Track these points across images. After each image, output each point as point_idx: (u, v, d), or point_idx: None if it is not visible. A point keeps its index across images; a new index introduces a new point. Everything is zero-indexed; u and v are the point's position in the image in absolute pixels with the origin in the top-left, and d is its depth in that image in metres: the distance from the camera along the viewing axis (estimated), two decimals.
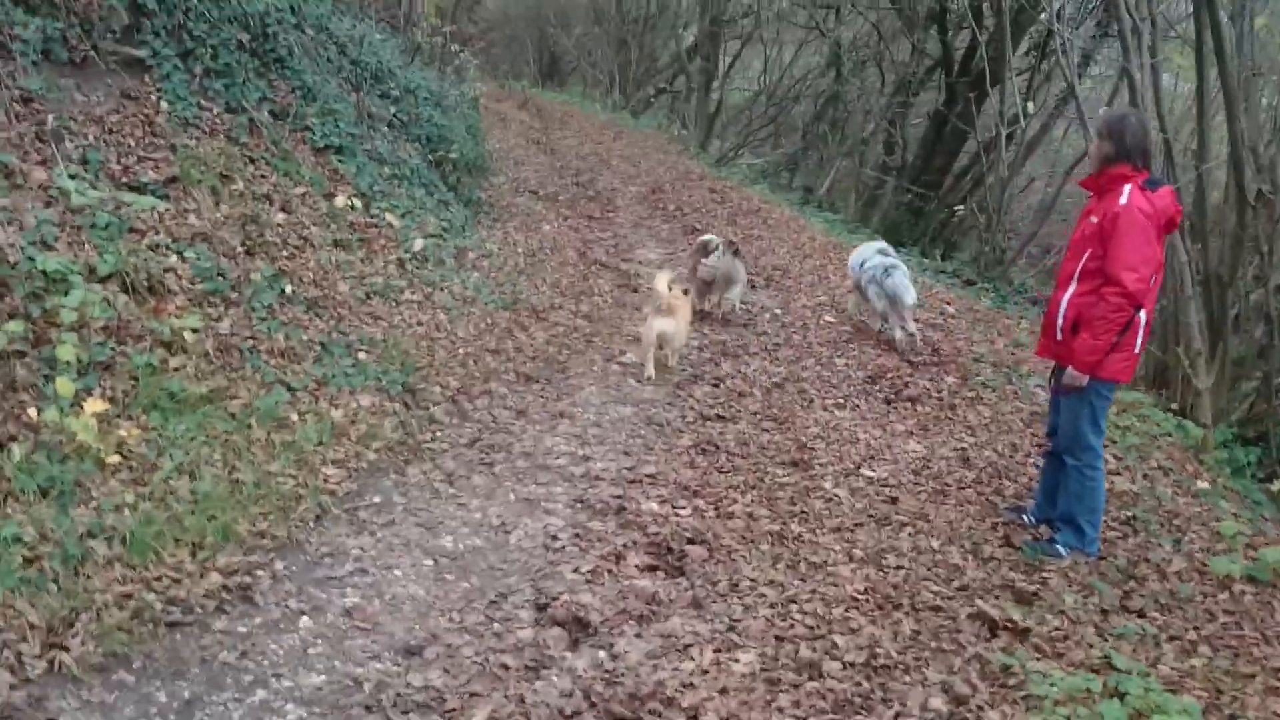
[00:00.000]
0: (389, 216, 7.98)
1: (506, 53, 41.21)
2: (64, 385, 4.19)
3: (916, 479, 5.63)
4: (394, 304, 6.99)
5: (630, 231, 12.88)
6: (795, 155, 25.27)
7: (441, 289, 7.69)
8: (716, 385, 7.17)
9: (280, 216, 6.78)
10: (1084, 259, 4.65)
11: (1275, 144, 8.60)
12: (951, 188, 16.02)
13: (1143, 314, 4.57)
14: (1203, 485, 6.32)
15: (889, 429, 6.45)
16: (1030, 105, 13.76)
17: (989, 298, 12.40)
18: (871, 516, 5.06)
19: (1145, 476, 6.13)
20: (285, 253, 6.45)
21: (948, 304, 10.85)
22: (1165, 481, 6.19)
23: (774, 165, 24.75)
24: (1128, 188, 4.53)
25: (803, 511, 5.02)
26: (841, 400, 6.97)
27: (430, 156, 9.87)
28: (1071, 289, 4.71)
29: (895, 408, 6.89)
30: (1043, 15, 13.12)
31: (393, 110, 9.59)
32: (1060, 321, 4.74)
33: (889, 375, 7.58)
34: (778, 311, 9.55)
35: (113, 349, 4.69)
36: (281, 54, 7.84)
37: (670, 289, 7.29)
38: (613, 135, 22.01)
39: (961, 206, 14.30)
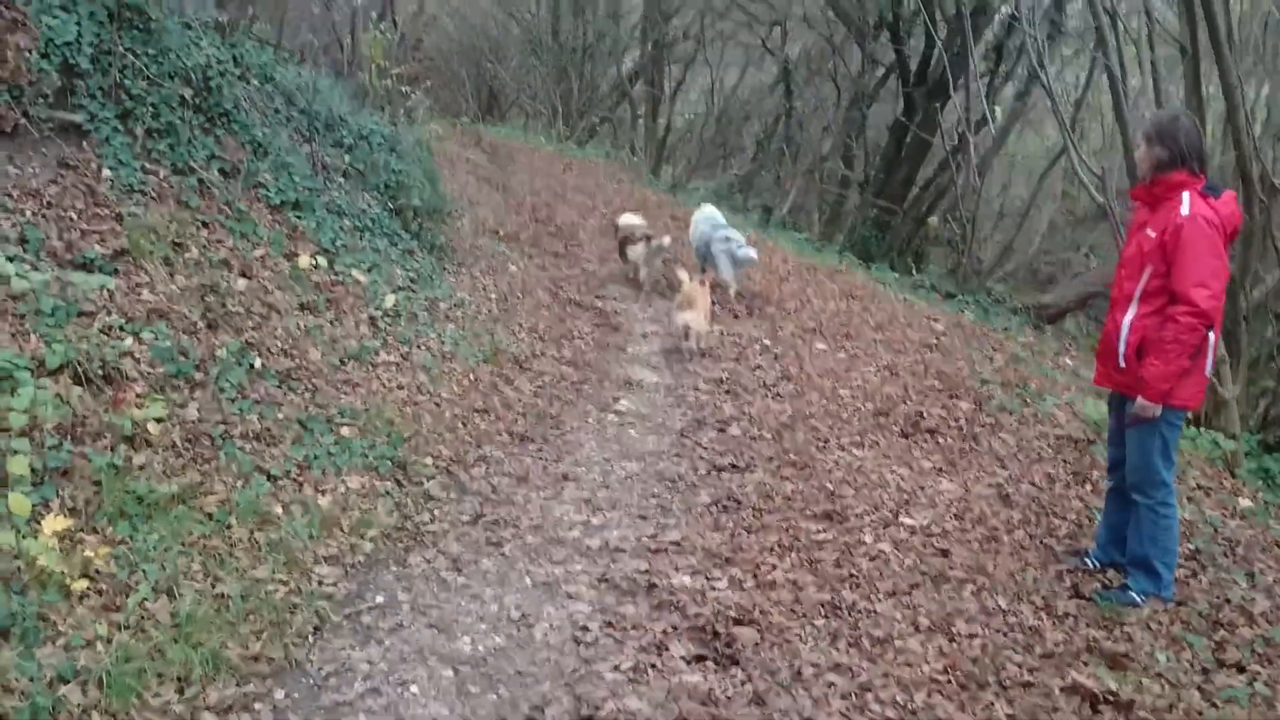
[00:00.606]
0: (355, 273, 7.46)
1: (444, 90, 40.74)
2: (18, 503, 3.64)
3: (961, 524, 5.20)
4: (371, 368, 6.47)
5: (599, 266, 12.44)
6: (748, 175, 25.01)
7: (418, 346, 7.17)
8: (723, 429, 6.71)
9: (241, 283, 6.25)
10: (1145, 277, 4.25)
11: (1266, 134, 8.36)
12: (917, 199, 15.74)
13: (1212, 333, 4.19)
14: (1246, 503, 5.97)
15: (915, 467, 6.02)
16: (997, 109, 13.51)
17: (971, 311, 12.10)
18: (925, 574, 4.61)
19: (1190, 499, 5.76)
20: (250, 323, 5.91)
21: (935, 321, 10.51)
22: (1210, 503, 5.83)
23: (726, 186, 24.48)
24: (1187, 195, 4.15)
25: (851, 575, 4.56)
26: (858, 437, 6.54)
27: (390, 205, 9.35)
28: (1132, 311, 4.31)
29: (915, 442, 6.47)
30: (1003, 9, 12.92)
31: (347, 159, 9.07)
32: (1122, 347, 4.34)
33: (898, 405, 7.18)
34: (767, 342, 9.13)
35: (70, 451, 4.13)
36: (227, 108, 7.31)
37: (694, 280, 8.85)
38: (562, 167, 21.61)
39: (934, 218, 14.00)
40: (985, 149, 12.99)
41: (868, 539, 4.94)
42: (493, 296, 9.57)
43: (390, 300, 7.41)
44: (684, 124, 27.34)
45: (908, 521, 5.19)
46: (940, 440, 6.48)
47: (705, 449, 6.35)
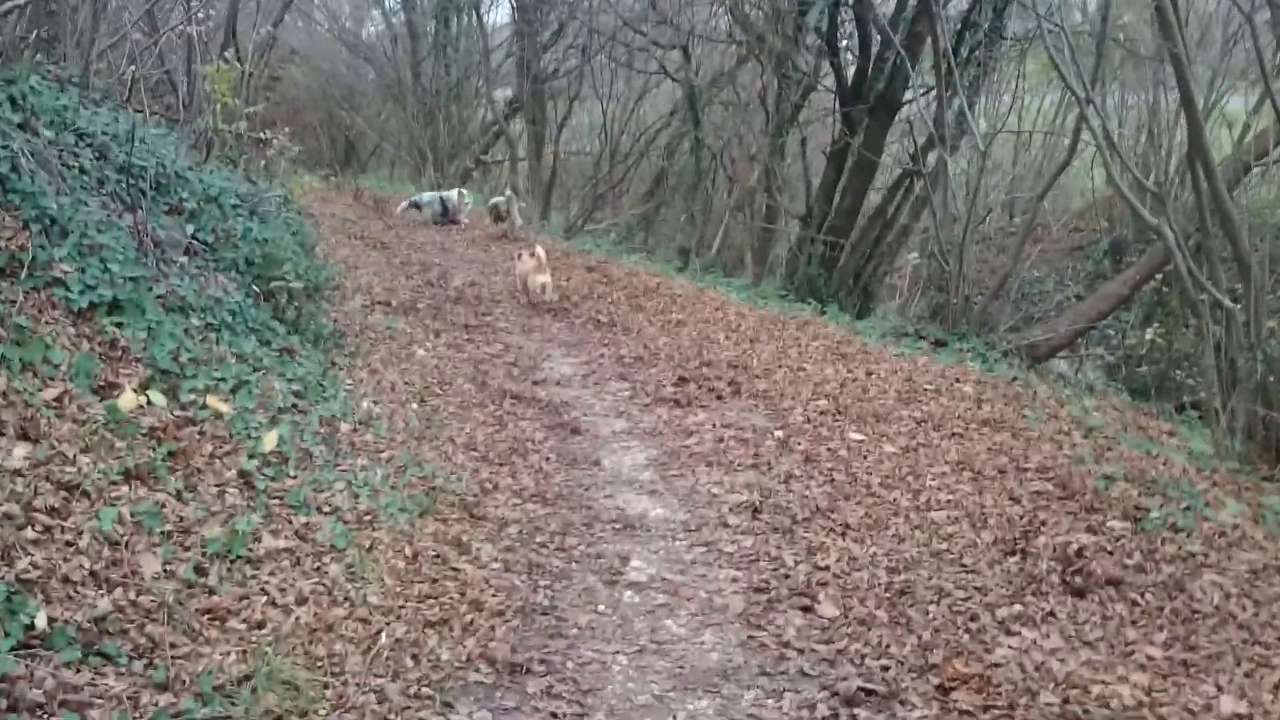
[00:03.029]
0: (212, 400, 4.95)
1: (296, 141, 37.72)
2: None
3: None
4: (251, 569, 3.97)
5: (522, 338, 10.07)
6: (645, 214, 22.89)
7: (321, 508, 4.69)
8: (808, 608, 4.41)
9: (20, 453, 3.73)
10: None
11: None
12: (865, 231, 13.81)
13: None
14: None
15: (1144, 662, 3.83)
16: (982, 121, 11.65)
17: (972, 360, 10.11)
18: None
19: None
20: (30, 534, 3.39)
21: (960, 382, 8.46)
22: None
23: (626, 228, 22.31)
24: None
25: None
26: (1016, 605, 4.31)
27: (255, 287, 6.84)
28: None
29: (1105, 606, 4.29)
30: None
31: (191, 230, 6.55)
32: None
33: (1029, 533, 5.01)
34: (780, 434, 6.89)
35: None
36: (1, 170, 4.80)
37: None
38: None
39: (915, 255, 12.03)
40: (976, 169, 11.00)
41: None
42: (405, 399, 7.14)
43: (270, 438, 4.92)
44: (573, 163, 25.12)
45: None
46: (1138, 600, 4.31)
47: (801, 652, 4.03)
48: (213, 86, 7.67)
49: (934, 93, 12.68)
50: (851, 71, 13.79)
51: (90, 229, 5.24)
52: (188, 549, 3.86)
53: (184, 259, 6.25)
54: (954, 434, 6.81)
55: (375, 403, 6.77)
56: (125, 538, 3.68)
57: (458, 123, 28.82)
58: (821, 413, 7.34)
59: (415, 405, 7.03)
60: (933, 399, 7.76)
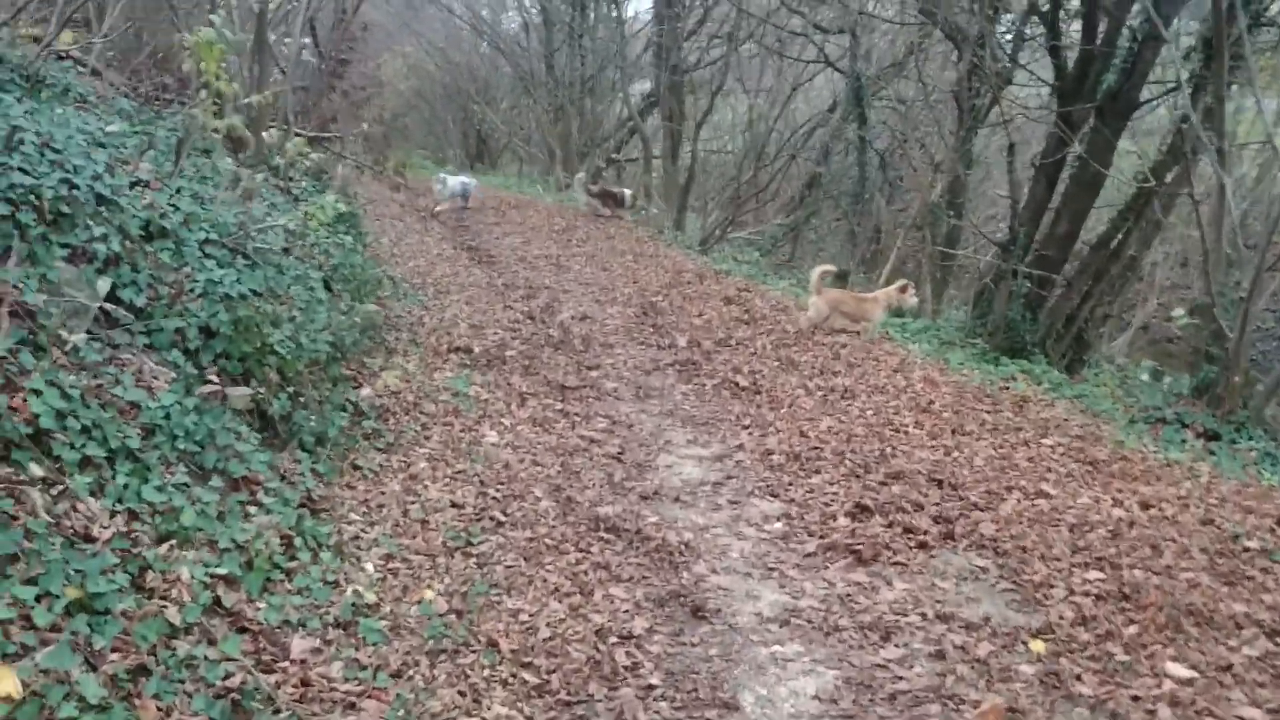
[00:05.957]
0: None
1: (429, 136, 36.28)
2: None
3: None
4: None
5: (634, 412, 7.46)
6: (796, 224, 20.01)
7: None
8: None
9: None
10: None
11: None
12: (1086, 264, 10.72)
13: None
14: None
15: None
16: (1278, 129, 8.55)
17: (1264, 468, 7.06)
18: None
19: None
20: None
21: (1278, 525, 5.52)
22: None
23: (770, 240, 19.49)
24: None
25: None
26: None
27: (214, 375, 4.42)
28: None
29: None
30: None
31: (105, 288, 4.15)
32: None
33: None
34: (1039, 646, 4.12)
35: None
36: None
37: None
38: (564, 224, 16.84)
39: (1182, 312, 8.97)
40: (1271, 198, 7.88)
41: None
42: (440, 545, 4.63)
43: None
44: (713, 163, 22.45)
45: None
46: None
47: None
48: (197, 63, 5.29)
49: (1180, 90, 9.60)
50: (1072, 60, 10.78)
51: None
52: None
53: (80, 338, 3.86)
54: None
55: (385, 560, 4.29)
56: None
57: (591, 118, 26.58)
58: (1099, 597, 4.53)
59: (453, 546, 4.52)
60: (1265, 570, 4.87)
